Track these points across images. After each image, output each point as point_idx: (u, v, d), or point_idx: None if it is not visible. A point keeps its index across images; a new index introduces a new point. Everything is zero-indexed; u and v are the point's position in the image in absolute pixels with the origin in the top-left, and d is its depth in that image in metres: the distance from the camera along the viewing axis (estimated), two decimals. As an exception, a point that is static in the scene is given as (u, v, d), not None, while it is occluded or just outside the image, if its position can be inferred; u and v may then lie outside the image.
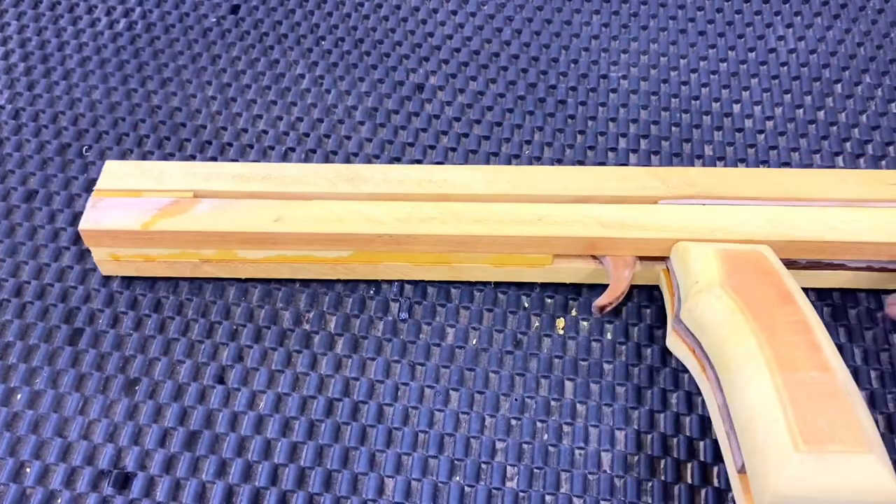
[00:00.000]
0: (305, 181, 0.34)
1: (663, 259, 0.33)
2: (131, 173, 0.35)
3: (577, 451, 0.31)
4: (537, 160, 0.39)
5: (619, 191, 0.33)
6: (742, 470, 0.26)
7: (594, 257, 0.33)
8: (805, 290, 0.34)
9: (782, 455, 0.25)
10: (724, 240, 0.32)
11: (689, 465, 0.31)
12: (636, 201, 0.33)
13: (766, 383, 0.26)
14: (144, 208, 0.33)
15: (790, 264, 0.33)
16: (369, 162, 0.39)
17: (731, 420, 0.27)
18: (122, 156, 0.39)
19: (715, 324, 0.29)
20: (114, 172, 0.35)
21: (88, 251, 0.36)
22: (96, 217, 0.33)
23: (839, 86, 0.41)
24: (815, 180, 0.34)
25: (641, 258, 0.33)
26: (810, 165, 0.38)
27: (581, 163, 0.39)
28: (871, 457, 0.24)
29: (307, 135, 0.40)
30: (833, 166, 0.38)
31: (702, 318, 0.29)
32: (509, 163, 0.39)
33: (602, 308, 0.32)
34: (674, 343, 0.32)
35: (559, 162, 0.39)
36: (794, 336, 0.27)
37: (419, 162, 0.39)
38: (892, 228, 0.32)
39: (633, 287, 0.35)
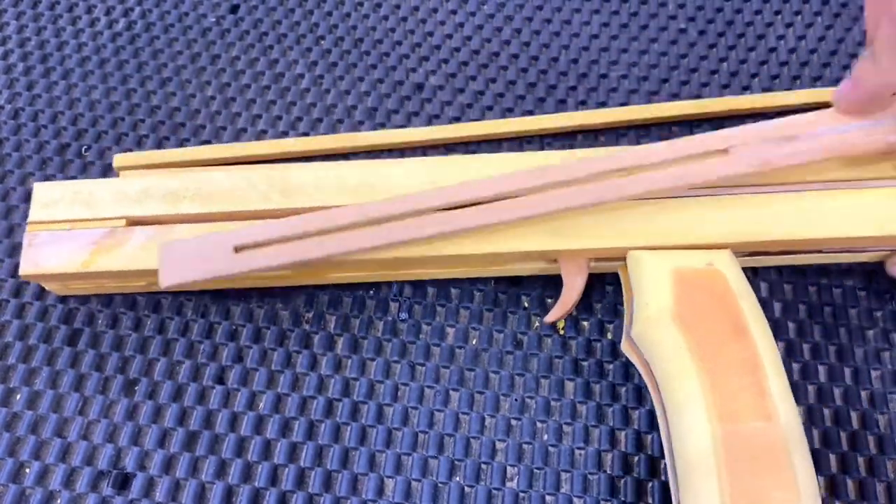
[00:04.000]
0: (237, 195, 0.33)
1: (622, 258, 0.31)
2: (62, 197, 0.33)
3: (577, 452, 0.31)
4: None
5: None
6: None
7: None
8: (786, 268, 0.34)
9: None
10: (681, 245, 0.30)
11: (690, 466, 0.31)
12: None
13: (705, 436, 0.26)
14: (81, 242, 0.32)
15: (758, 253, 0.31)
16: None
17: (674, 457, 0.27)
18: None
19: (663, 358, 0.28)
20: (44, 197, 0.33)
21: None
22: (35, 258, 0.32)
23: (839, 85, 0.41)
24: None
25: (597, 259, 0.32)
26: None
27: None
28: None
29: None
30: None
31: (650, 348, 0.29)
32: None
33: (554, 323, 0.32)
34: (628, 351, 0.32)
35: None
36: (741, 378, 0.27)
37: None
38: (876, 216, 0.29)
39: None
